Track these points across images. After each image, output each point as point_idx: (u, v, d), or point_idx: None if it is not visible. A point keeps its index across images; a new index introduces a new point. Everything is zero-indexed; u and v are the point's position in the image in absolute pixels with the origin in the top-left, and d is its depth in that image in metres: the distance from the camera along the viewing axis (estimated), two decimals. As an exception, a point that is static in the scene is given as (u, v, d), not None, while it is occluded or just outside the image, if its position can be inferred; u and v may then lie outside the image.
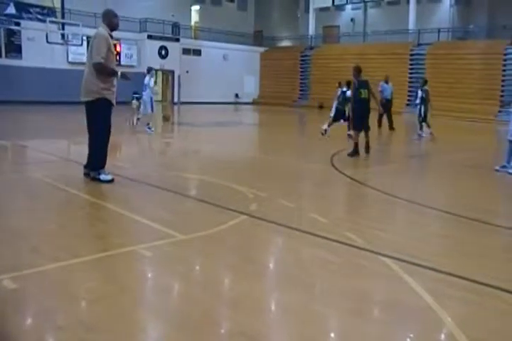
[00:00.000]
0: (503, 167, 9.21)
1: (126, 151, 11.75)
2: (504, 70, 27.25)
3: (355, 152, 10.79)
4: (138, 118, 15.63)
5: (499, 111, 25.70)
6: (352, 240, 4.80)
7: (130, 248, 4.41)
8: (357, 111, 11.11)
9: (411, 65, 31.65)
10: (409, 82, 30.34)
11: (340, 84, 15.27)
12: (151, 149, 12.73)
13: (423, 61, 31.10)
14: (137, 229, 5.13)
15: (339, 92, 14.56)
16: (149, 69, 15.22)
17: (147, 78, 15.04)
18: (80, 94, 6.98)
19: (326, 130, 14.34)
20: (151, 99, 15.17)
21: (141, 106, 15.37)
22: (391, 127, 17.31)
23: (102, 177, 6.95)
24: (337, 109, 14.51)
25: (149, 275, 4.08)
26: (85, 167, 7.23)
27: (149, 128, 14.87)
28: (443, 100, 25.12)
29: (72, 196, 6.41)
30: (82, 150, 7.33)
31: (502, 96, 26.79)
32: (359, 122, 11.04)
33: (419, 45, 32.43)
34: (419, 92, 15.44)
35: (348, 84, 13.99)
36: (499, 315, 3.41)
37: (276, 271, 4.24)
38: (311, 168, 9.82)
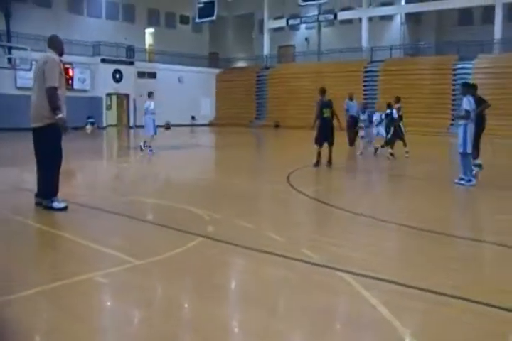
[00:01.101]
0: (461, 179, 9.42)
1: (80, 178, 11.51)
2: (454, 85, 28.09)
3: (317, 162, 12.17)
4: (145, 141, 16.06)
5: (451, 124, 26.40)
6: (309, 257, 4.80)
7: (85, 276, 4.30)
8: (320, 129, 12.27)
9: (365, 81, 32.37)
10: (364, 99, 30.89)
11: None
12: (107, 174, 12.53)
13: (377, 77, 31.86)
14: (92, 257, 5.00)
15: (383, 115, 14.92)
16: (150, 94, 16.03)
17: (148, 102, 15.86)
18: (30, 120, 6.83)
19: (391, 154, 14.41)
20: (154, 121, 15.86)
21: (145, 129, 16.06)
22: (352, 143, 17.53)
23: (55, 205, 6.76)
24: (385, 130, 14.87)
25: (105, 303, 3.98)
26: (37, 196, 6.98)
27: (151, 150, 15.57)
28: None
29: (24, 225, 6.21)
30: (33, 179, 7.13)
31: (453, 109, 27.55)
32: (322, 138, 12.25)
33: (372, 62, 33.23)
34: (379, 114, 15.58)
35: (389, 106, 14.64)
36: (454, 323, 3.46)
37: (236, 292, 4.21)
38: (268, 187, 9.85)
